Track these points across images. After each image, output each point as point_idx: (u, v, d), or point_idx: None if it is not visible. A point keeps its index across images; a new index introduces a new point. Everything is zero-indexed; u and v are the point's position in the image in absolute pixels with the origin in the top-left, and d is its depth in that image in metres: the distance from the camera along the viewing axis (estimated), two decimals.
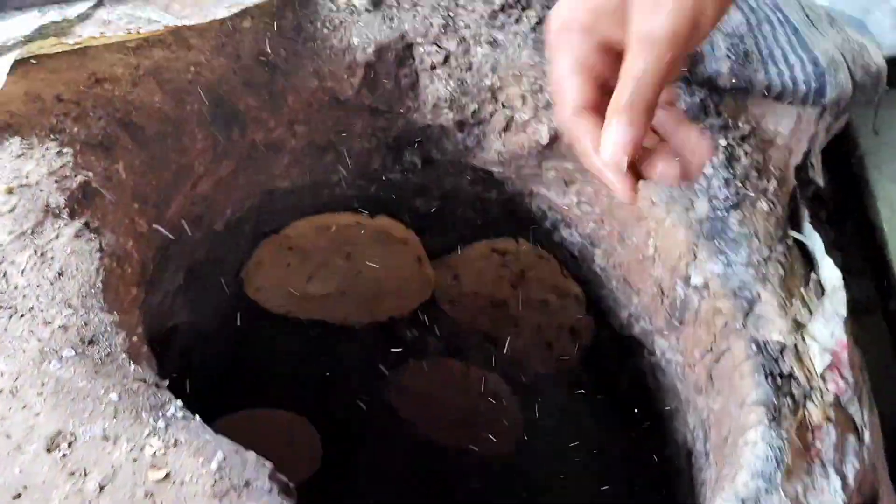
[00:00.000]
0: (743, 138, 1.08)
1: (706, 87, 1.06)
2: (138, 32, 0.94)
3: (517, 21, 1.15)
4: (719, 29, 1.04)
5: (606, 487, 1.47)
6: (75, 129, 0.82)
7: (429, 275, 1.54)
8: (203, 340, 1.57)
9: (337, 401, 1.91)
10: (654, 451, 1.34)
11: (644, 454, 1.36)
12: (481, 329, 1.63)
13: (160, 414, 0.62)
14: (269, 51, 1.08)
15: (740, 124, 1.08)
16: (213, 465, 0.59)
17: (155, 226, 0.88)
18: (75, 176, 0.78)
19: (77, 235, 0.72)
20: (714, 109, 1.07)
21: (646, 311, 1.24)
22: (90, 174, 0.79)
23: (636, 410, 1.39)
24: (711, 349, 1.10)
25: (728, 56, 1.03)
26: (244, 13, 1.05)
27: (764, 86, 1.05)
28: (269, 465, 0.61)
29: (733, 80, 1.03)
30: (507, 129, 1.17)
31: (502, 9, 1.14)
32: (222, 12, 1.03)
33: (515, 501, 1.83)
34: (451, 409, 1.88)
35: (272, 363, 1.74)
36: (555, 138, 1.16)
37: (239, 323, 1.59)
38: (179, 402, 0.64)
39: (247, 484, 0.58)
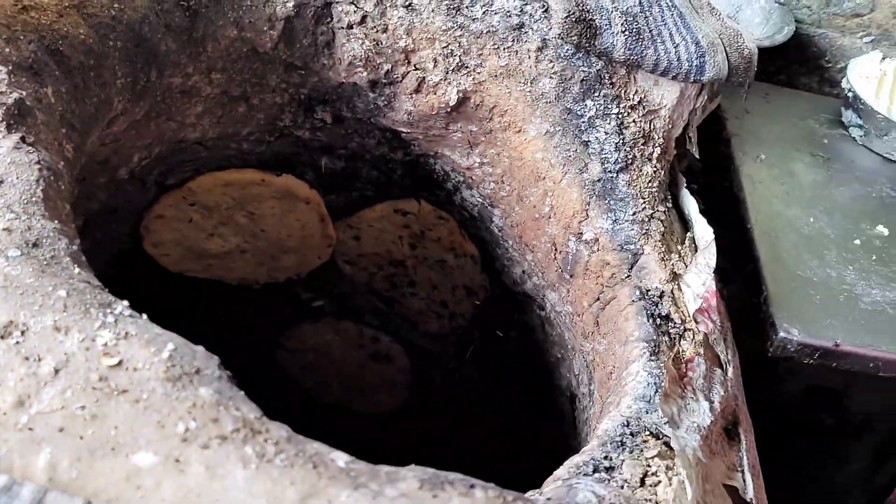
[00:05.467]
0: (632, 108, 1.19)
1: (602, 58, 1.16)
2: None
3: None
4: (616, 7, 1.15)
5: (493, 433, 1.57)
6: (7, 49, 0.83)
7: (330, 235, 1.59)
8: None
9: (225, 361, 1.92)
10: (540, 398, 1.45)
11: (530, 402, 1.46)
12: (378, 290, 1.69)
13: (109, 311, 0.65)
14: None
15: (630, 95, 1.19)
16: (165, 354, 0.62)
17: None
18: (10, 93, 0.79)
19: (16, 147, 0.74)
20: (608, 80, 1.18)
21: (539, 266, 1.34)
22: (23, 93, 0.80)
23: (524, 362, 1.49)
24: (599, 298, 1.21)
25: (622, 32, 1.14)
26: None
27: (652, 61, 1.16)
28: (216, 357, 0.65)
29: (627, 53, 1.14)
30: (418, 90, 1.24)
31: None
32: None
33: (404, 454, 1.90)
34: (342, 370, 1.93)
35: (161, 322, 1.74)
36: (463, 100, 1.24)
37: (132, 280, 1.58)
38: (126, 302, 0.67)
39: (197, 371, 0.62)
